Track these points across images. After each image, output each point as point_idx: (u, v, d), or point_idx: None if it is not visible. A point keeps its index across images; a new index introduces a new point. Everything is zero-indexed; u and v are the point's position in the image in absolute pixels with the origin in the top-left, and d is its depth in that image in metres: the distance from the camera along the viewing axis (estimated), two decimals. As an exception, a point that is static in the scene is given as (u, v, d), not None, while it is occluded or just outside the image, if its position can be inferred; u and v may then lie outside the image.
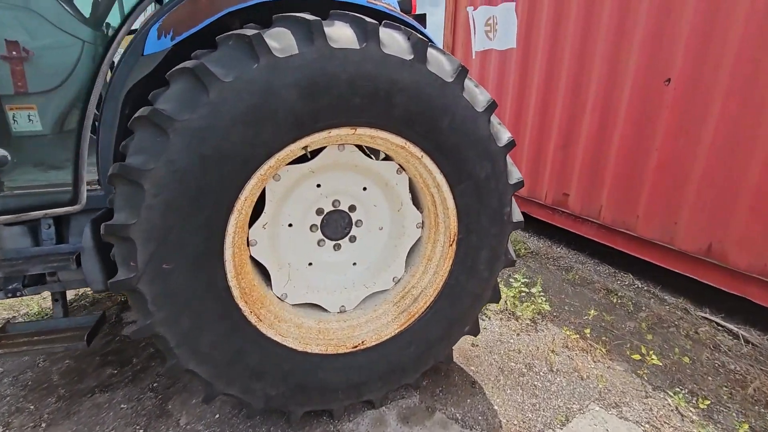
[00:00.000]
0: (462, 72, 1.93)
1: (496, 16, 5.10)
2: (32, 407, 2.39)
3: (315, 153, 2.09)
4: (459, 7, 5.69)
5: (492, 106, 2.04)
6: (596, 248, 4.52)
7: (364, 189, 2.31)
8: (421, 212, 2.43)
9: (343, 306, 2.40)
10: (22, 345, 2.05)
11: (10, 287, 2.06)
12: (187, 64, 1.60)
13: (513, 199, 2.29)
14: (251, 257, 2.13)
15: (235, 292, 1.89)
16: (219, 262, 1.79)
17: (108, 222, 1.64)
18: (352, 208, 2.32)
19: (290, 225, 2.22)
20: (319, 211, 2.25)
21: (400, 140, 1.94)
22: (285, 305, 2.26)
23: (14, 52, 2.27)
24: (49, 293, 2.19)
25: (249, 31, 1.61)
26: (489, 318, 3.46)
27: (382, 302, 2.45)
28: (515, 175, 2.24)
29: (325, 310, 2.38)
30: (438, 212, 2.28)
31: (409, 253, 2.49)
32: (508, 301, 3.64)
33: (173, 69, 1.63)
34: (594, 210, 4.21)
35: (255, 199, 1.97)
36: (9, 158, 2.00)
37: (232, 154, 1.65)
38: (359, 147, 2.18)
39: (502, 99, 5.10)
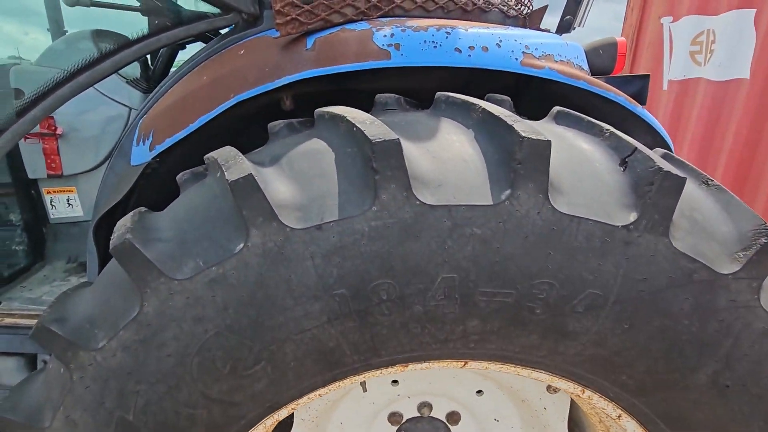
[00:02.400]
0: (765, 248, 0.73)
1: (715, 31, 3.41)
2: None
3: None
4: (647, 17, 4.08)
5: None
6: None
7: (479, 393, 1.25)
8: (590, 458, 1.26)
9: None
10: None
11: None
12: (118, 231, 0.77)
13: None
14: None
15: None
16: None
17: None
18: (454, 417, 1.29)
19: (341, 423, 1.29)
20: (395, 418, 1.28)
21: (571, 385, 0.84)
22: None
23: (47, 129, 1.81)
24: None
25: (235, 170, 0.71)
26: None
27: None
28: None
29: None
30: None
31: None
32: None
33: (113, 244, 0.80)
34: None
35: (266, 434, 1.09)
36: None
37: (185, 422, 0.77)
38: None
39: (712, 157, 3.39)
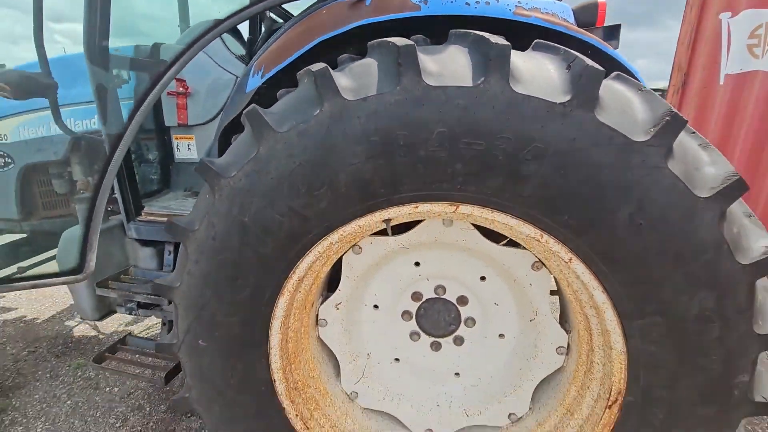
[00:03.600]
0: (671, 125, 1.05)
1: (774, 23, 3.42)
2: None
3: (411, 224, 1.52)
4: (706, 14, 4.11)
5: (734, 189, 1.07)
6: None
7: (483, 279, 1.61)
8: (569, 332, 1.56)
9: (430, 430, 1.73)
10: (123, 364, 2.16)
11: (128, 305, 2.20)
12: (249, 108, 1.27)
13: (764, 360, 1.21)
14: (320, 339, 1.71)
15: (280, 388, 1.49)
16: (259, 351, 1.42)
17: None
18: (463, 300, 1.65)
19: (376, 306, 1.71)
20: (417, 296, 1.67)
21: (532, 230, 1.19)
22: (352, 408, 1.75)
23: (181, 88, 2.48)
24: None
25: (317, 66, 1.18)
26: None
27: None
28: (773, 318, 1.17)
29: (404, 426, 1.76)
30: (594, 347, 1.39)
31: (542, 386, 1.64)
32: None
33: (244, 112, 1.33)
34: None
35: (323, 275, 1.54)
36: None
37: (277, 227, 1.24)
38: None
39: None
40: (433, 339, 1.71)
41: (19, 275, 2.03)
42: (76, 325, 3.50)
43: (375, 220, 1.27)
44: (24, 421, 2.50)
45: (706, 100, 4.03)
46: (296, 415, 1.53)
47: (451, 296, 1.65)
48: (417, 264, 1.63)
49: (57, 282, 1.88)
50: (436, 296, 1.66)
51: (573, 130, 1.06)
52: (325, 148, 1.15)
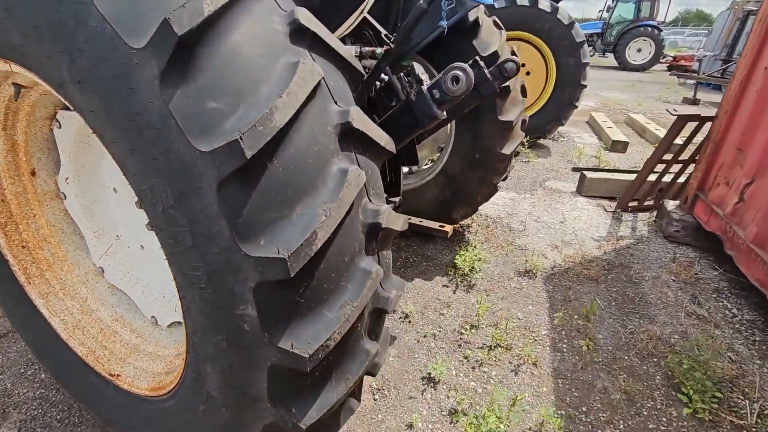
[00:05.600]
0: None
1: None
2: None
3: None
4: None
5: (166, 37, 0.74)
6: None
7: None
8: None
9: (154, 318, 1.76)
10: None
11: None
12: None
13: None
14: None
15: (1, 241, 1.66)
16: (-32, 203, 1.58)
17: None
18: (172, 194, 1.54)
19: (115, 190, 1.71)
20: (140, 185, 1.62)
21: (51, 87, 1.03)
22: (99, 281, 1.86)
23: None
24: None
25: None
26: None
27: (175, 343, 1.64)
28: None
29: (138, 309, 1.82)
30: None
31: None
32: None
33: None
34: None
35: (23, 143, 1.58)
36: None
37: None
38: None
39: None
40: (164, 232, 1.67)
41: None
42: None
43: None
44: None
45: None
46: (20, 270, 1.70)
47: (163, 188, 1.56)
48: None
49: None
50: (153, 186, 1.58)
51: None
52: None
